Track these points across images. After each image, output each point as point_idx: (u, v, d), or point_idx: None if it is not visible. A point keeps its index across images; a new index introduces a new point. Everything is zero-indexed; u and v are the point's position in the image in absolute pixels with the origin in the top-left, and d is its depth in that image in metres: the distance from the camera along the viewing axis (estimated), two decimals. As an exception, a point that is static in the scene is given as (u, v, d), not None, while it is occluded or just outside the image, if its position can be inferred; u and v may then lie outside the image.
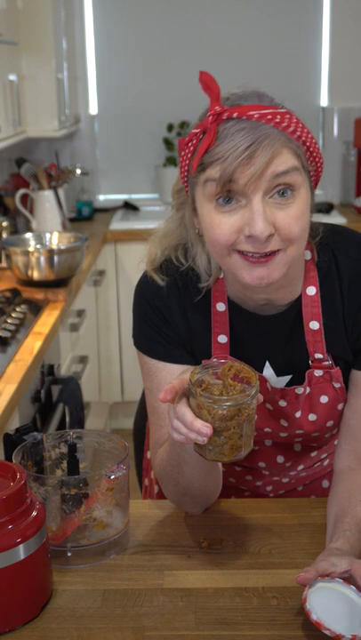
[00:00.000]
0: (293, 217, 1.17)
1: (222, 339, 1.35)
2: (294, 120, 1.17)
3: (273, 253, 1.18)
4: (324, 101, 4.37)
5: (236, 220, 1.17)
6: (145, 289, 1.37)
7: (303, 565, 1.17)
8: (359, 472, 1.33)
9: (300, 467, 1.51)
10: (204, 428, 1.09)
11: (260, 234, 1.14)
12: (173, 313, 1.35)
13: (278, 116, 1.15)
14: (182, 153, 1.22)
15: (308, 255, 1.33)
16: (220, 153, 1.14)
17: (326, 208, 4.07)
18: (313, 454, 1.50)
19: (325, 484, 1.58)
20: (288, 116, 1.17)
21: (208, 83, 1.18)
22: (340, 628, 1.03)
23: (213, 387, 1.13)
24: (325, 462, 1.54)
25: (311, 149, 1.19)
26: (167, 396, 1.12)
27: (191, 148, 1.20)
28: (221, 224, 1.17)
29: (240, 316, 1.35)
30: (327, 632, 1.03)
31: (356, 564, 1.10)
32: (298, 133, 1.17)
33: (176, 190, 1.32)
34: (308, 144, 1.18)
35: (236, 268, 1.20)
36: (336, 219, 3.93)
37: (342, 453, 1.36)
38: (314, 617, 1.04)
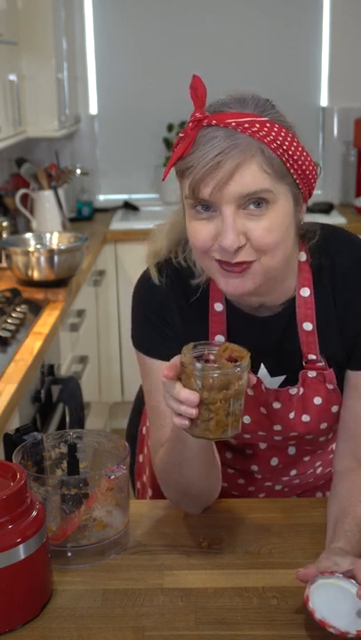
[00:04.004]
0: (266, 228, 1.17)
1: (220, 338, 1.35)
2: (275, 128, 1.15)
3: (248, 264, 1.19)
4: (324, 101, 4.37)
5: (211, 229, 1.18)
6: (144, 289, 1.37)
7: (303, 565, 1.16)
8: (359, 472, 1.33)
9: (294, 472, 1.50)
10: (191, 395, 1.10)
11: (228, 246, 1.16)
12: (172, 312, 1.35)
13: (257, 125, 1.14)
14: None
15: (304, 257, 1.32)
16: (191, 161, 1.15)
17: (326, 208, 4.07)
18: (306, 459, 1.49)
19: (319, 495, 1.58)
20: (268, 124, 1.14)
21: (197, 89, 1.17)
22: (345, 625, 1.03)
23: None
24: (318, 470, 1.54)
25: (295, 157, 1.16)
26: (170, 372, 1.13)
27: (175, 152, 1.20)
28: (199, 231, 1.19)
29: (237, 317, 1.35)
30: (332, 630, 1.03)
31: (359, 564, 1.10)
32: (278, 142, 1.14)
33: None
34: (290, 152, 1.16)
35: (213, 273, 1.23)
36: (336, 219, 3.93)
37: (341, 455, 1.37)
38: (318, 616, 1.04)
